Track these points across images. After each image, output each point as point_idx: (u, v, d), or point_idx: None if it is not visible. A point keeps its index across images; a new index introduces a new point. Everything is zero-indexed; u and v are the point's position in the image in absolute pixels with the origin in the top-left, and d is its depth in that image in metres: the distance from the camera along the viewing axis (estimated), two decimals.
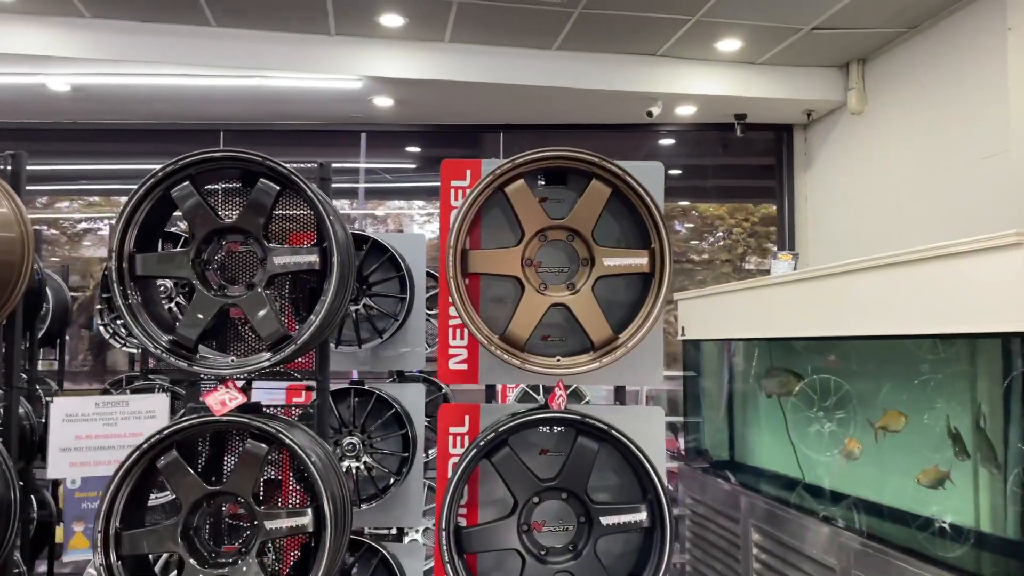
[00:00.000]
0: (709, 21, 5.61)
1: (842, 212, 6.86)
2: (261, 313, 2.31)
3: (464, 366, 2.57)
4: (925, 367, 3.78)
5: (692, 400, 6.53)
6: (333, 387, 4.20)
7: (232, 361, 2.34)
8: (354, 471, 4.09)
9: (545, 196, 2.55)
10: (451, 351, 2.57)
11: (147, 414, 2.66)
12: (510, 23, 5.73)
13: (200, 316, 2.32)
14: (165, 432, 2.25)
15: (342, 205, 8.61)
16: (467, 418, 2.55)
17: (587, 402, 5.33)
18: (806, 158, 7.42)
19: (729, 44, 6.06)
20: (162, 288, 3.25)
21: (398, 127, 7.42)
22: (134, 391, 4.09)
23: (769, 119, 7.27)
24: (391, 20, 5.63)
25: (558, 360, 2.34)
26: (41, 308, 4.11)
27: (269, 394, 5.64)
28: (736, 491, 5.41)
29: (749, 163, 8.42)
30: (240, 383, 2.58)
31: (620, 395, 2.65)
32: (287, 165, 2.33)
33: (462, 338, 2.57)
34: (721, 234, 10.35)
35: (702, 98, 6.60)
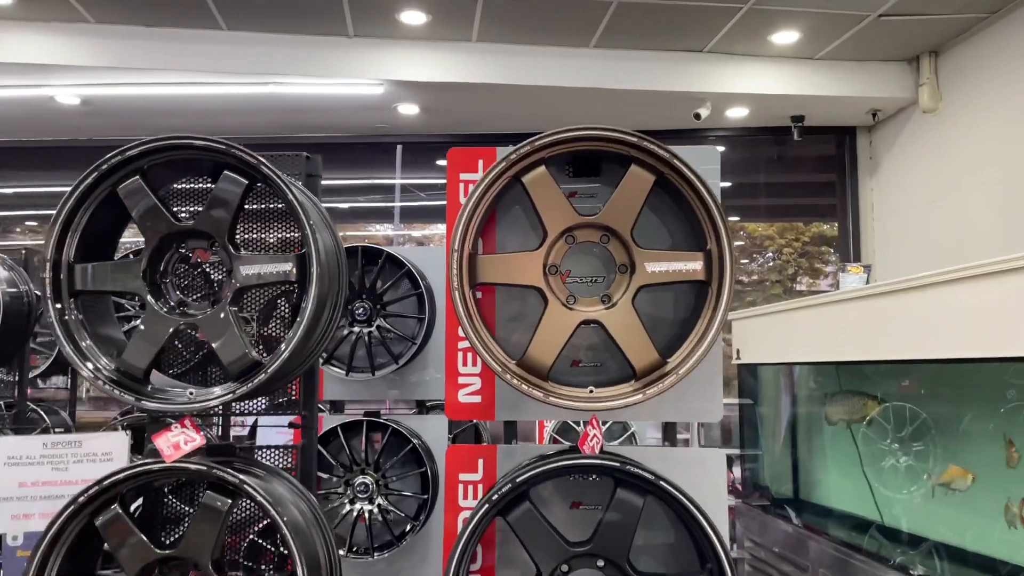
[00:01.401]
0: (763, 9, 5.17)
1: (914, 221, 6.33)
2: (225, 335, 1.92)
3: (477, 398, 2.14)
4: (1012, 393, 3.37)
5: (749, 430, 6.10)
6: (344, 419, 3.82)
7: (190, 395, 1.94)
8: (367, 515, 3.69)
9: (574, 190, 2.14)
10: (461, 380, 2.15)
11: (103, 456, 2.28)
12: (541, 18, 5.36)
13: (151, 339, 1.93)
14: (104, 483, 1.86)
15: (379, 228, 8.30)
16: (481, 462, 2.12)
17: (631, 433, 4.86)
18: (871, 163, 6.90)
19: (785, 36, 5.61)
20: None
21: (428, 138, 7.07)
22: (14, 429, 3.67)
23: (830, 121, 6.78)
24: (413, 17, 5.29)
25: (591, 391, 1.91)
26: None
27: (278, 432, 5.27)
28: (803, 534, 4.91)
29: (805, 179, 7.95)
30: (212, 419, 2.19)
31: (669, 434, 2.20)
32: (258, 155, 1.94)
33: (474, 364, 2.15)
34: (771, 254, 10.00)
35: (755, 98, 6.14)
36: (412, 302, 3.85)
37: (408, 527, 3.68)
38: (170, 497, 2.27)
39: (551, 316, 1.90)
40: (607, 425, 4.82)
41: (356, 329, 3.83)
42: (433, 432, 3.86)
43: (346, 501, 3.72)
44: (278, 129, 6.74)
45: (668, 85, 5.92)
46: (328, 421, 3.84)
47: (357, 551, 3.68)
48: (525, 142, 1.88)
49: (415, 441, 3.74)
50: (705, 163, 2.01)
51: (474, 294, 1.94)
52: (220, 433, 3.06)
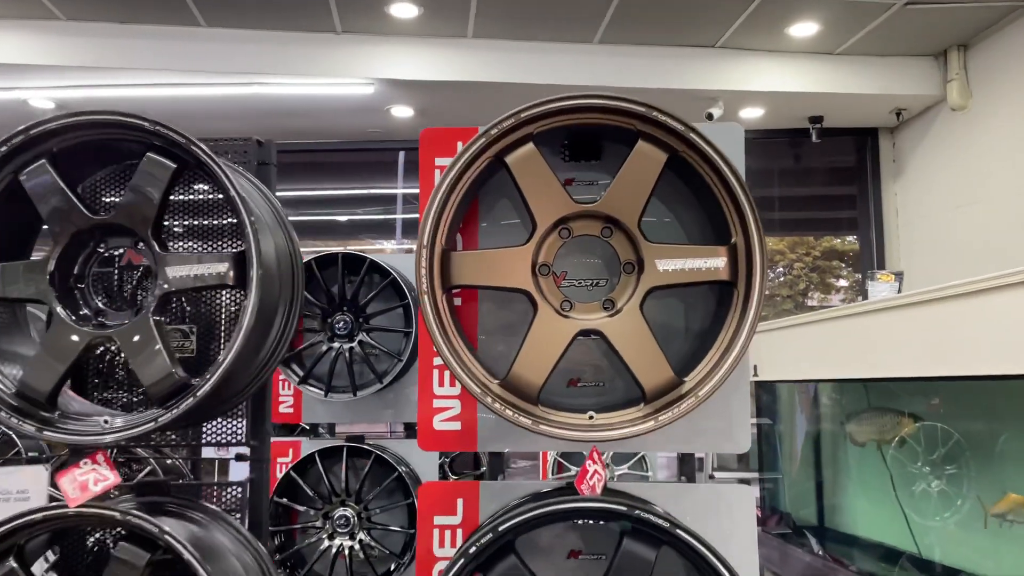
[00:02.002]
0: None
1: (943, 226, 6.03)
2: (145, 351, 1.60)
3: (456, 425, 1.81)
4: None
5: (768, 451, 5.81)
6: (323, 445, 3.50)
7: (104, 424, 1.62)
8: (347, 552, 3.35)
9: (571, 177, 1.83)
10: (437, 403, 1.82)
11: (18, 495, 1.95)
12: (541, 12, 5.08)
13: (57, 355, 1.61)
14: None
15: (383, 244, 7.98)
16: (461, 503, 1.79)
17: (641, 456, 4.52)
18: (895, 166, 6.58)
19: (804, 28, 5.31)
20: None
21: None
22: None
23: (850, 122, 6.48)
24: (403, 10, 5.02)
25: (591, 417, 1.58)
26: None
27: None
28: (828, 565, 4.60)
29: (824, 185, 7.64)
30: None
31: (687, 466, 1.86)
32: (187, 133, 1.63)
33: (452, 384, 1.82)
34: (781, 269, 9.83)
35: (771, 96, 5.83)
36: (398, 314, 3.52)
37: (393, 565, 3.35)
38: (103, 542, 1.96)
39: (541, 326, 1.57)
40: (607, 455, 4.49)
41: (336, 345, 3.51)
42: (422, 459, 3.52)
43: (324, 536, 3.39)
44: (264, 134, 6.38)
45: (678, 83, 5.62)
46: (306, 447, 3.52)
47: None
48: (508, 113, 1.56)
49: (401, 469, 3.41)
50: (727, 142, 1.69)
51: (449, 299, 1.62)
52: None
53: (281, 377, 3.56)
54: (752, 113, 6.19)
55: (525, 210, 1.60)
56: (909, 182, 6.48)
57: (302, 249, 2.01)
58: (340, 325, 3.50)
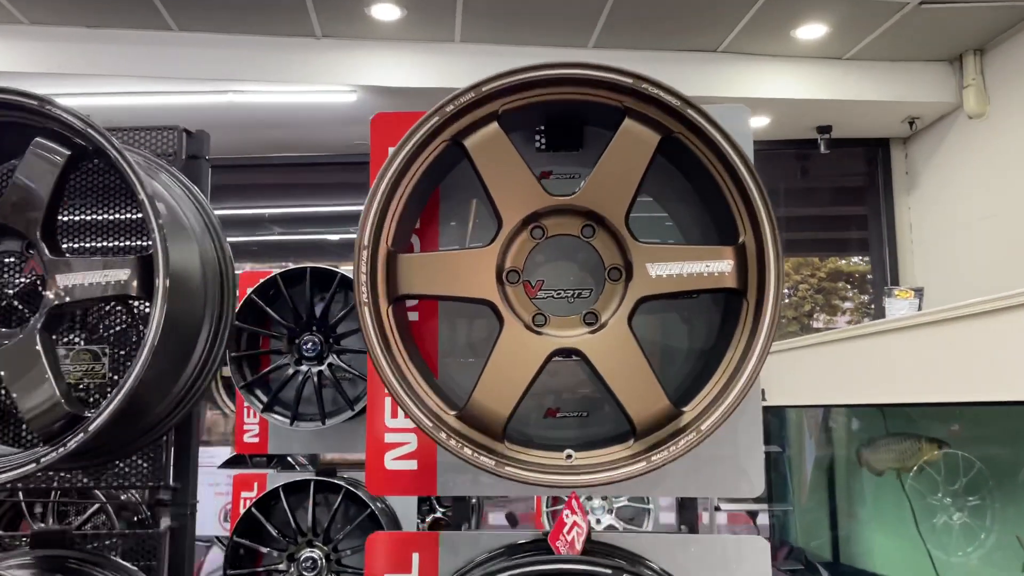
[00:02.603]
0: None
1: (962, 241, 5.80)
2: (30, 375, 1.33)
3: (411, 464, 1.53)
4: None
5: (778, 481, 5.56)
6: (288, 479, 3.23)
7: None
8: None
9: (548, 170, 1.57)
10: (389, 438, 1.54)
11: None
12: (532, 13, 4.85)
13: None
14: None
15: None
16: (417, 558, 1.51)
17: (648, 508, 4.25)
18: (908, 178, 6.36)
19: (811, 30, 5.09)
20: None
21: None
22: None
23: (860, 132, 6.26)
24: (386, 12, 4.80)
25: (569, 456, 1.30)
26: None
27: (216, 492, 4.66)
28: None
29: (833, 202, 7.42)
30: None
31: (687, 513, 1.58)
32: (85, 114, 1.37)
33: (407, 415, 1.54)
34: (786, 290, 9.67)
35: (777, 104, 5.60)
36: None
37: None
38: None
39: (508, 344, 1.30)
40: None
41: (304, 368, 3.23)
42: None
43: None
44: (244, 147, 6.23)
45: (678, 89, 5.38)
46: (273, 480, 3.25)
47: None
48: (468, 86, 1.31)
49: (375, 505, 3.12)
50: (731, 124, 1.42)
51: (399, 313, 1.35)
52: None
53: (246, 404, 3.31)
54: (757, 122, 5.96)
55: (489, 204, 1.34)
56: (923, 195, 6.25)
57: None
58: (308, 346, 3.24)
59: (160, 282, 1.33)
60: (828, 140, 6.19)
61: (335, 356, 3.25)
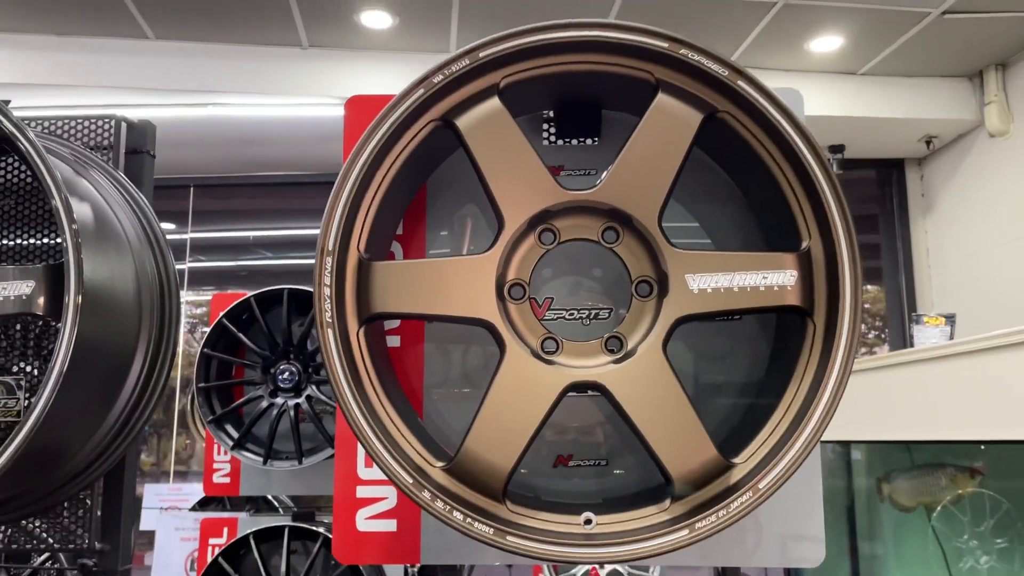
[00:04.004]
0: (801, 4, 4.44)
1: (985, 265, 5.59)
2: None
3: (390, 525, 1.26)
4: None
5: None
6: (262, 525, 2.95)
7: None
8: None
9: (559, 164, 1.31)
10: (362, 491, 1.27)
11: None
12: (532, 22, 4.62)
13: None
14: None
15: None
16: None
17: None
18: (924, 200, 6.17)
19: (826, 43, 4.91)
20: None
21: None
22: None
23: (873, 152, 6.06)
24: (377, 19, 4.61)
25: (588, 523, 1.03)
26: None
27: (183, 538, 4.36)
28: None
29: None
30: None
31: None
32: None
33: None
34: None
35: None
36: None
37: None
38: None
39: (511, 377, 1.04)
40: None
41: (280, 400, 2.98)
42: None
43: None
44: (228, 165, 6.01)
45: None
46: (242, 526, 2.97)
47: None
48: (460, 51, 1.05)
49: None
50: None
51: (373, 336, 1.08)
52: None
53: (215, 442, 3.04)
54: None
55: (488, 199, 1.08)
56: (941, 218, 6.05)
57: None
58: (285, 376, 2.98)
59: (71, 298, 1.07)
60: (841, 160, 5.99)
61: (314, 387, 2.99)
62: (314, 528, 2.88)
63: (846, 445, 4.69)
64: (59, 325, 1.25)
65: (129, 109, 4.48)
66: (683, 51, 1.05)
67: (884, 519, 4.50)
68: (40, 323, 1.34)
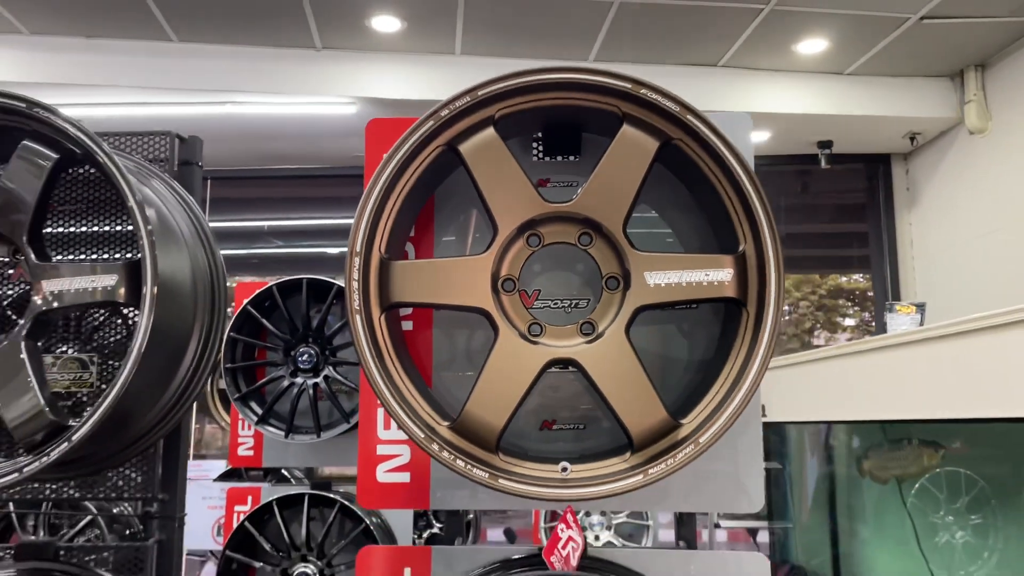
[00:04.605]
0: (786, 11, 4.63)
1: (963, 257, 5.76)
2: (13, 383, 1.31)
3: (404, 477, 1.50)
4: None
5: (778, 499, 5.50)
6: (282, 493, 3.19)
7: None
8: None
9: (545, 178, 1.54)
10: (381, 450, 1.51)
11: None
12: (533, 28, 4.85)
13: None
14: None
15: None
16: (408, 573, 1.47)
17: (647, 525, 4.21)
18: (909, 194, 6.33)
19: (812, 45, 5.08)
20: None
21: None
22: None
23: (861, 147, 6.23)
24: (386, 24, 4.80)
25: (564, 470, 1.27)
26: None
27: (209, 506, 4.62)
28: None
29: (834, 218, 7.42)
30: None
31: (685, 529, 1.55)
32: (73, 119, 1.34)
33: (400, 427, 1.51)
34: (787, 307, 9.62)
35: (778, 119, 5.59)
36: None
37: None
38: None
39: (503, 354, 1.28)
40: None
41: (299, 380, 3.21)
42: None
43: None
44: (245, 159, 6.21)
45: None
46: (267, 493, 3.21)
47: None
48: (463, 90, 1.29)
49: (371, 520, 3.09)
50: (731, 132, 1.40)
51: (392, 321, 1.32)
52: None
53: (240, 416, 3.27)
54: (758, 137, 5.95)
55: (484, 211, 1.32)
56: (925, 211, 6.22)
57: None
58: (304, 358, 3.21)
59: (148, 289, 1.30)
60: (829, 155, 6.16)
61: (331, 368, 3.22)
62: (331, 496, 3.12)
63: (829, 425, 4.88)
64: (134, 312, 1.50)
65: (153, 107, 4.73)
66: (643, 91, 1.29)
67: (866, 495, 4.68)
68: (109, 309, 1.58)
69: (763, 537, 5.49)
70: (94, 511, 2.07)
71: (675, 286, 1.28)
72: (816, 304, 9.76)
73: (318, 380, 3.20)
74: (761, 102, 5.47)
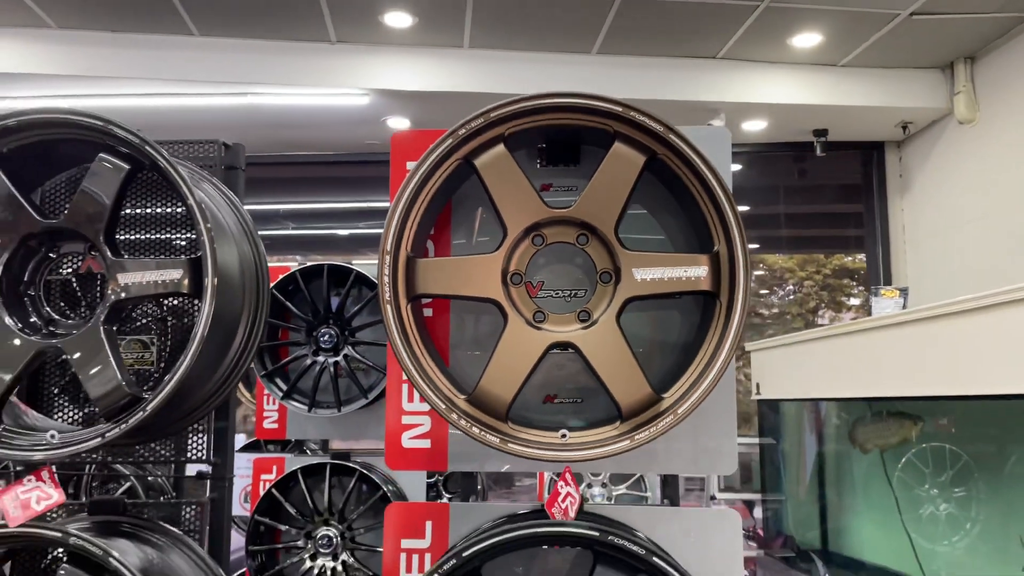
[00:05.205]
0: (782, 7, 4.79)
1: (952, 242, 5.92)
2: (93, 361, 1.52)
3: (425, 443, 1.72)
4: None
5: (771, 472, 5.71)
6: (305, 462, 3.42)
7: (51, 438, 1.54)
8: (329, 572, 3.25)
9: (548, 183, 1.75)
10: (406, 420, 1.74)
11: None
12: (538, 22, 5.02)
13: (3, 365, 1.54)
14: None
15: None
16: (430, 526, 1.70)
17: (639, 476, 4.41)
18: (902, 181, 6.49)
19: (806, 39, 5.23)
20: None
21: None
22: None
23: (855, 135, 6.39)
24: (398, 20, 4.97)
25: (564, 436, 1.49)
26: None
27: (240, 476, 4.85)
28: None
29: (829, 201, 7.58)
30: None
31: (670, 488, 1.77)
32: (142, 133, 1.55)
33: (423, 400, 1.73)
34: (791, 287, 9.72)
35: (774, 108, 5.75)
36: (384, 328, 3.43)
37: None
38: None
39: (511, 338, 1.49)
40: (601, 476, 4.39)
41: (321, 359, 3.42)
42: (410, 477, 3.43)
43: (307, 556, 3.29)
44: (261, 147, 6.39)
45: (679, 95, 5.54)
46: (290, 464, 3.44)
47: None
48: (477, 112, 1.49)
49: (387, 488, 3.31)
50: (712, 146, 1.61)
51: (416, 310, 1.54)
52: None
53: (265, 392, 3.49)
54: (755, 126, 6.11)
55: (495, 216, 1.53)
56: (916, 197, 6.37)
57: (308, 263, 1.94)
58: (325, 338, 3.42)
59: (209, 281, 1.52)
60: (824, 143, 6.32)
61: (350, 348, 3.43)
62: (351, 465, 3.35)
63: (819, 402, 5.07)
64: (192, 302, 1.72)
65: (175, 98, 4.92)
66: (632, 113, 1.49)
67: (854, 468, 4.87)
68: (170, 298, 1.80)
69: (761, 514, 5.69)
70: (156, 473, 2.30)
71: (659, 280, 1.49)
72: (820, 283, 9.86)
73: (338, 359, 3.41)
74: (758, 92, 5.63)
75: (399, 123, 5.97)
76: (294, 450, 4.25)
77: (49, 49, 5.13)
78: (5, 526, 1.49)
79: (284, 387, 3.40)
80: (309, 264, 3.42)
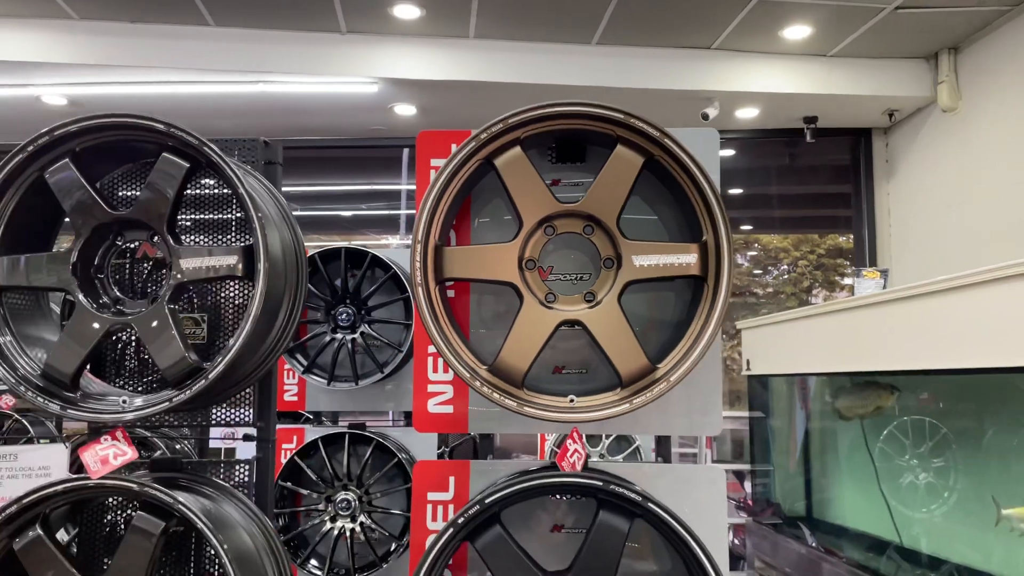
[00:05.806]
0: (773, 1, 4.95)
1: (934, 225, 6.10)
2: (160, 336, 1.73)
3: (448, 408, 1.94)
4: None
5: (760, 445, 5.91)
6: (325, 432, 3.63)
7: (123, 403, 1.75)
8: (348, 534, 3.48)
9: (557, 178, 1.95)
10: (431, 388, 1.95)
11: (40, 471, 2.08)
12: (541, 13, 5.18)
13: (80, 340, 1.74)
14: (24, 501, 1.67)
15: (388, 239, 8.12)
16: (452, 480, 1.92)
17: (635, 448, 4.64)
18: (888, 166, 6.67)
19: (797, 31, 5.40)
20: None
21: None
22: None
23: (844, 122, 6.55)
24: (406, 11, 5.13)
25: (571, 400, 1.70)
26: None
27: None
28: (817, 556, 4.71)
29: (818, 185, 7.77)
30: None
31: (663, 448, 1.99)
32: (201, 136, 1.75)
33: (446, 371, 1.95)
34: (786, 267, 9.84)
35: (766, 97, 5.93)
36: (399, 307, 3.65)
37: (392, 547, 3.48)
38: (118, 518, 2.09)
39: (527, 316, 1.70)
40: (610, 439, 4.61)
41: (339, 336, 3.63)
42: (422, 445, 3.65)
43: (327, 519, 3.52)
44: (272, 132, 6.55)
45: (674, 83, 5.71)
46: (309, 433, 3.65)
47: (338, 573, 3.47)
48: (497, 119, 1.69)
49: (401, 456, 3.53)
50: (702, 146, 1.81)
51: (442, 291, 1.74)
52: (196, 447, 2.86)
53: (286, 366, 3.69)
54: (748, 113, 6.29)
55: (512, 209, 1.73)
56: (901, 182, 6.55)
57: (308, 243, 2.14)
58: (343, 317, 3.62)
59: (261, 265, 1.72)
60: (814, 130, 6.49)
61: (367, 326, 3.64)
62: (368, 434, 3.56)
63: (806, 377, 5.27)
64: (243, 284, 1.92)
65: (192, 86, 5.09)
66: (632, 120, 1.68)
67: (838, 438, 5.07)
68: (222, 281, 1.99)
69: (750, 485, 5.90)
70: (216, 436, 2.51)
71: (655, 266, 1.69)
72: (815, 263, 9.99)
73: (355, 336, 3.62)
74: (751, 81, 5.80)
75: (406, 110, 6.14)
76: (316, 421, 4.47)
77: (72, 39, 5.28)
78: (86, 478, 1.70)
79: (304, 362, 3.61)
80: (328, 247, 3.62)
